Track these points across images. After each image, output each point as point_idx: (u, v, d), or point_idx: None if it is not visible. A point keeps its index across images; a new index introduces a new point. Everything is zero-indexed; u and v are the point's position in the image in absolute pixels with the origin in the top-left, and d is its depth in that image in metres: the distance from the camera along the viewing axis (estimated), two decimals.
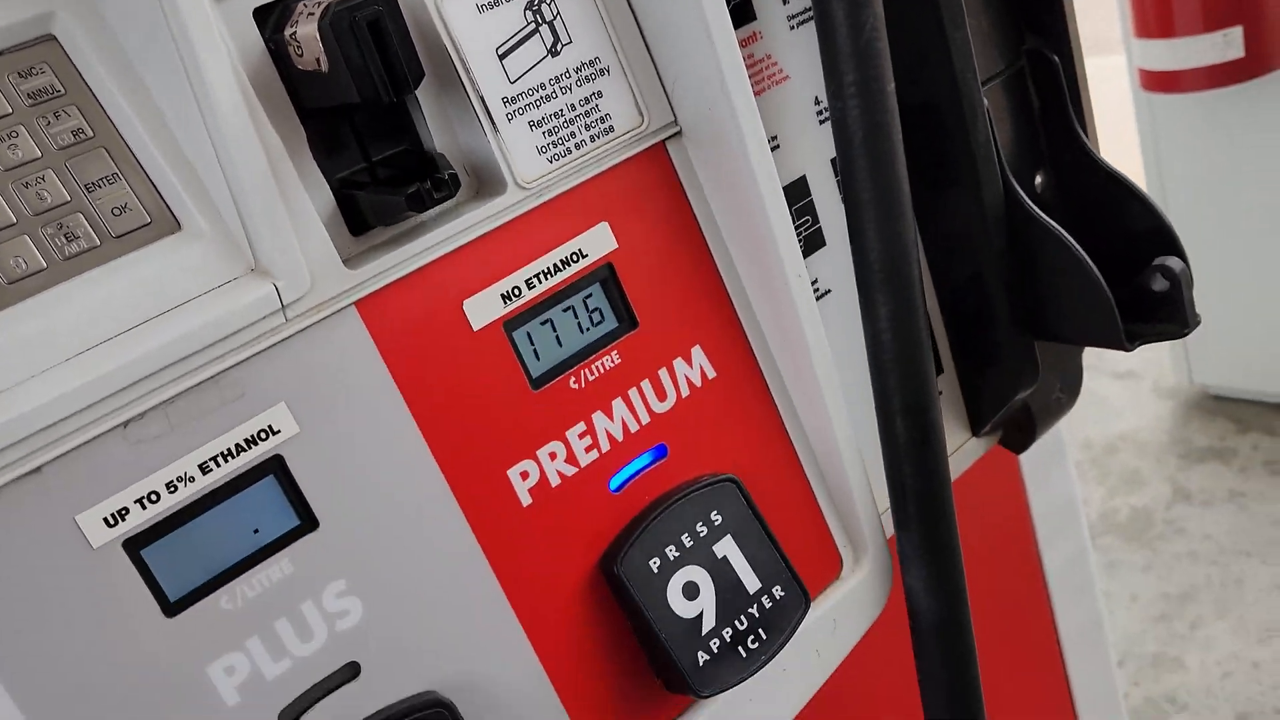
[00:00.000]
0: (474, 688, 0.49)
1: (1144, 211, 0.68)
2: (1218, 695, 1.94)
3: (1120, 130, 2.46)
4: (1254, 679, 1.95)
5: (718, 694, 0.53)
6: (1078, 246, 0.65)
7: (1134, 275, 0.68)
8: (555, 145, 0.51)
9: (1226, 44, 1.91)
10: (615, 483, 0.54)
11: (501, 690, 0.50)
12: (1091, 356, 2.76)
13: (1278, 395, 2.67)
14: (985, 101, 0.65)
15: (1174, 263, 0.65)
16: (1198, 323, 0.66)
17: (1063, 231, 0.65)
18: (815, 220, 0.64)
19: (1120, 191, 0.69)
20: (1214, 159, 2.38)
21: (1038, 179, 0.72)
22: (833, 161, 0.65)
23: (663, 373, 0.55)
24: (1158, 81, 2.06)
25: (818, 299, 0.65)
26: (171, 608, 0.43)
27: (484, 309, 0.50)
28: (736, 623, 0.54)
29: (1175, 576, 2.25)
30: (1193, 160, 2.41)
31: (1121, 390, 2.99)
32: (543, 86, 0.51)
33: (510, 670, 0.50)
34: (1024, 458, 0.98)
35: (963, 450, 0.76)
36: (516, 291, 0.51)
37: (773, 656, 0.55)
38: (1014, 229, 0.67)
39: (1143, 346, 0.67)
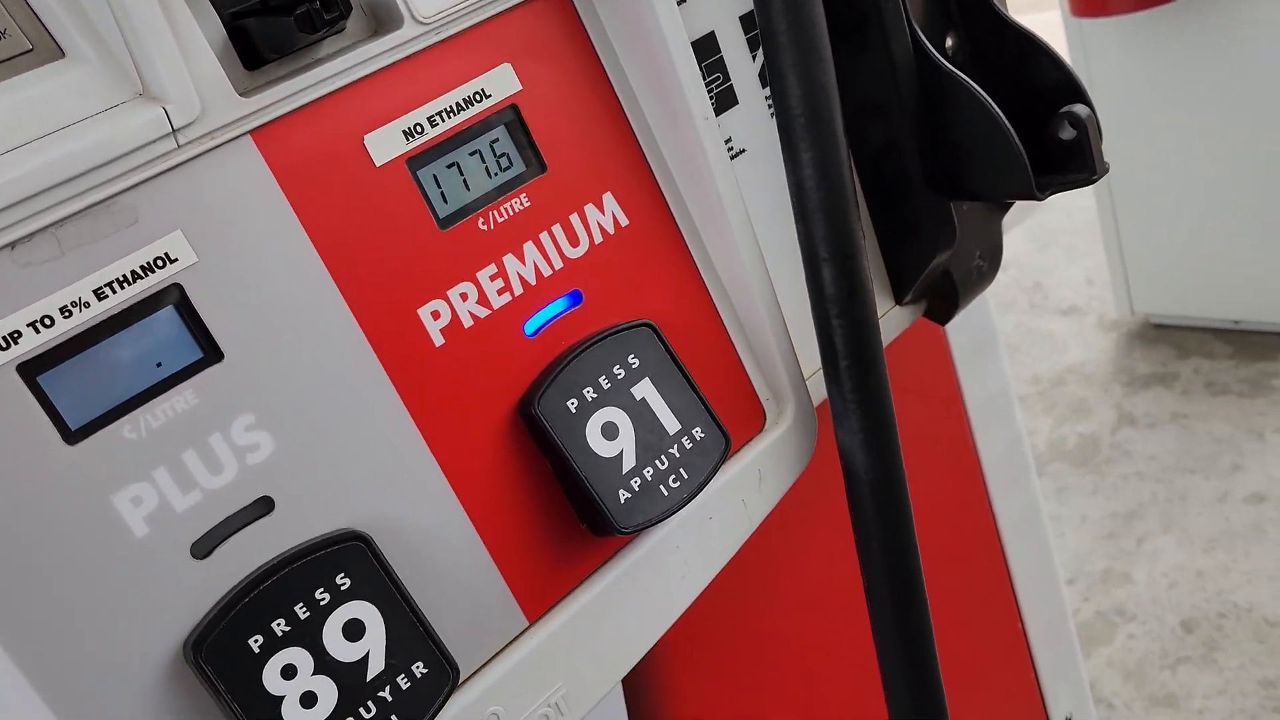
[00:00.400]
0: (393, 528, 0.49)
1: (1052, 66, 0.69)
2: (1164, 604, 1.99)
3: None
4: (1199, 587, 2.00)
5: (640, 529, 0.54)
6: (987, 97, 0.66)
7: (1045, 130, 0.69)
8: None
9: None
10: (530, 327, 0.54)
11: (421, 531, 0.50)
12: (1036, 296, 2.79)
13: (1216, 320, 2.73)
14: None
15: (1080, 109, 0.66)
16: (1105, 169, 0.67)
17: (972, 83, 0.66)
18: (726, 78, 0.64)
19: (1028, 48, 0.70)
20: (1143, 83, 2.42)
21: (949, 41, 0.72)
22: (742, 19, 0.65)
23: (574, 218, 0.55)
24: (1087, 6, 2.08)
25: (732, 158, 0.65)
26: (73, 436, 0.42)
27: (386, 144, 0.49)
28: (657, 462, 0.55)
29: (1122, 496, 2.30)
30: (1124, 87, 2.45)
31: (1067, 325, 3.05)
32: None
33: (429, 511, 0.50)
34: (955, 347, 0.99)
35: (888, 318, 0.77)
36: (419, 129, 0.50)
37: (695, 494, 0.56)
38: (925, 85, 0.68)
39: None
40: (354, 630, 0.46)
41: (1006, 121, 0.65)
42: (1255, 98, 2.31)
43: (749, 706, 0.81)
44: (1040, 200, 0.67)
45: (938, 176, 0.70)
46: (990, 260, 0.80)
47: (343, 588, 0.46)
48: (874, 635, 0.61)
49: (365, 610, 0.47)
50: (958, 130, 0.67)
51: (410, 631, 0.48)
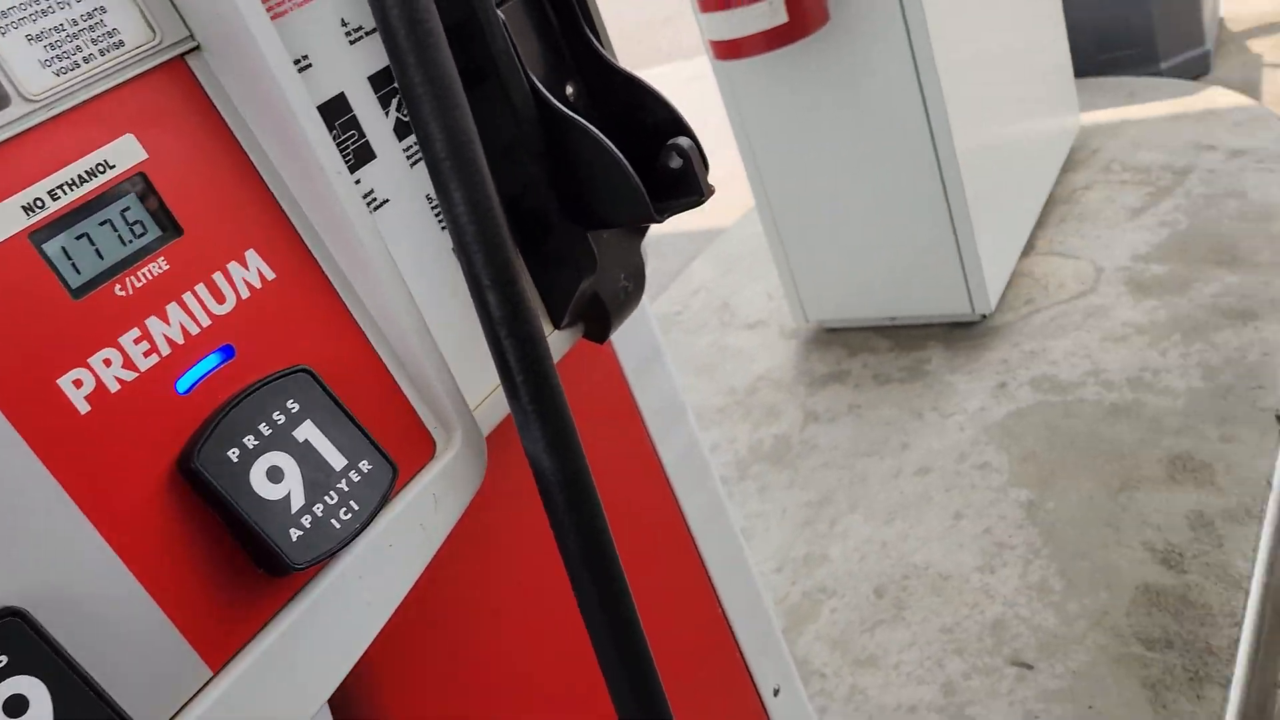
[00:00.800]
0: (57, 600, 0.49)
1: (658, 105, 0.79)
2: (858, 576, 2.20)
3: (719, 118, 2.71)
4: (884, 555, 2.24)
5: (315, 563, 0.56)
6: (603, 137, 0.74)
7: (656, 162, 0.78)
8: (60, 59, 0.52)
9: (772, 11, 2.17)
10: (183, 385, 0.55)
11: (88, 600, 0.50)
12: (725, 315, 3.00)
13: (876, 319, 3.06)
14: (501, 17, 0.72)
15: (684, 141, 0.76)
16: (711, 192, 0.77)
17: (589, 125, 0.74)
18: (361, 134, 0.69)
19: (637, 91, 0.79)
20: (787, 115, 2.69)
21: (569, 88, 0.80)
22: (370, 79, 0.69)
23: (217, 277, 0.57)
24: (725, 50, 2.30)
25: (375, 209, 0.69)
26: None
27: (4, 221, 0.50)
28: (326, 498, 0.58)
29: (814, 486, 2.53)
30: (771, 119, 2.72)
31: (753, 338, 3.30)
32: (36, 1, 0.52)
33: (94, 578, 0.51)
34: (625, 364, 1.08)
35: (550, 342, 0.83)
36: (39, 203, 0.51)
37: (367, 524, 0.59)
38: (549, 129, 0.75)
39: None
40: (15, 707, 0.46)
41: (623, 157, 0.74)
42: (876, 122, 2.63)
43: (465, 712, 0.84)
44: (660, 222, 0.76)
45: (571, 210, 0.78)
46: (635, 281, 0.89)
47: None
48: (586, 624, 0.67)
49: (29, 685, 0.46)
50: (582, 168, 0.75)
51: (81, 699, 0.48)
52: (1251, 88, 4.14)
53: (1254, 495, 2.05)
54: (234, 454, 0.55)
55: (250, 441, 0.56)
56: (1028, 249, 3.17)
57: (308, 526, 0.56)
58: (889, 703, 1.88)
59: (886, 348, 2.98)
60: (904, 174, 2.69)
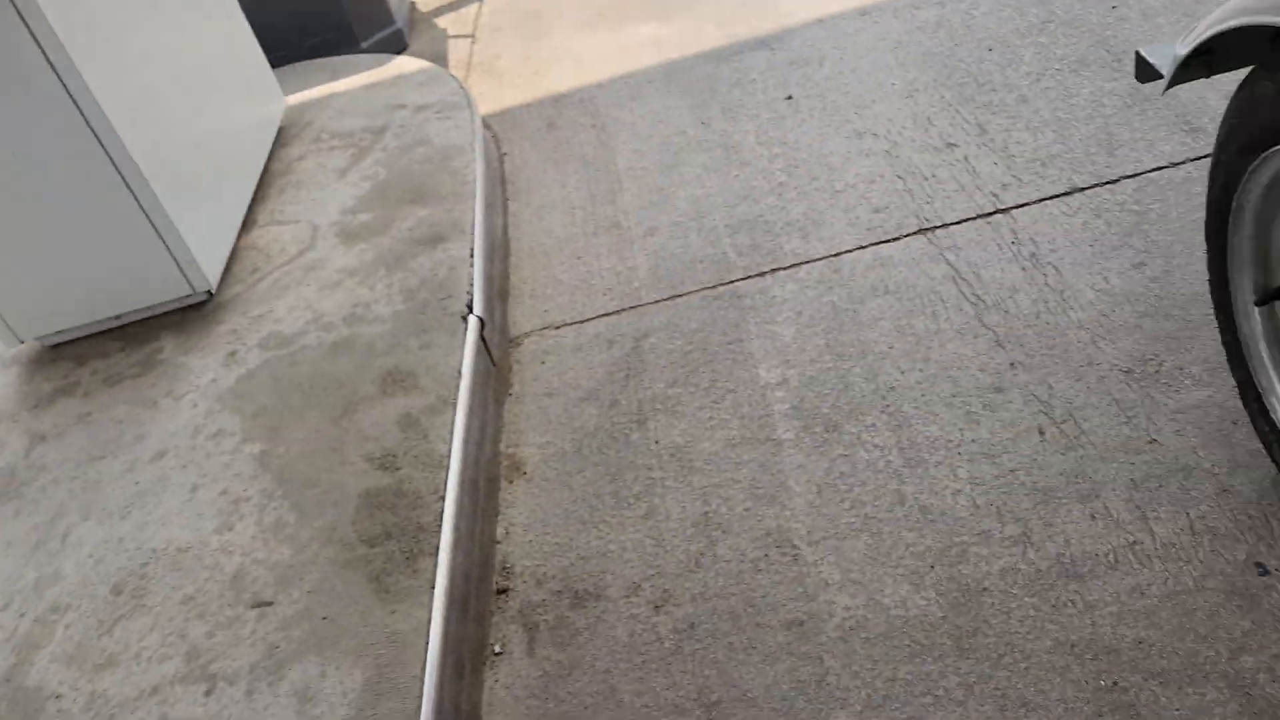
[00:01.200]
0: None
1: None
2: (93, 580, 2.04)
3: None
4: (121, 550, 2.10)
5: None
6: None
7: None
8: None
9: None
10: None
11: None
12: None
13: (100, 322, 2.85)
14: None
15: None
16: None
17: None
18: None
19: None
20: None
21: None
22: None
23: None
24: None
25: None
26: None
27: None
28: None
29: (43, 507, 2.29)
30: None
31: None
32: None
33: None
34: None
35: None
36: None
37: None
38: None
39: None
40: None
41: None
42: (24, 125, 2.41)
43: None
44: None
45: None
46: None
47: None
48: None
49: None
50: None
51: None
52: (440, 57, 4.62)
53: (449, 387, 2.29)
54: None
55: None
56: (249, 223, 3.18)
57: None
58: (130, 694, 1.77)
59: (118, 348, 2.79)
60: (77, 176, 2.52)
